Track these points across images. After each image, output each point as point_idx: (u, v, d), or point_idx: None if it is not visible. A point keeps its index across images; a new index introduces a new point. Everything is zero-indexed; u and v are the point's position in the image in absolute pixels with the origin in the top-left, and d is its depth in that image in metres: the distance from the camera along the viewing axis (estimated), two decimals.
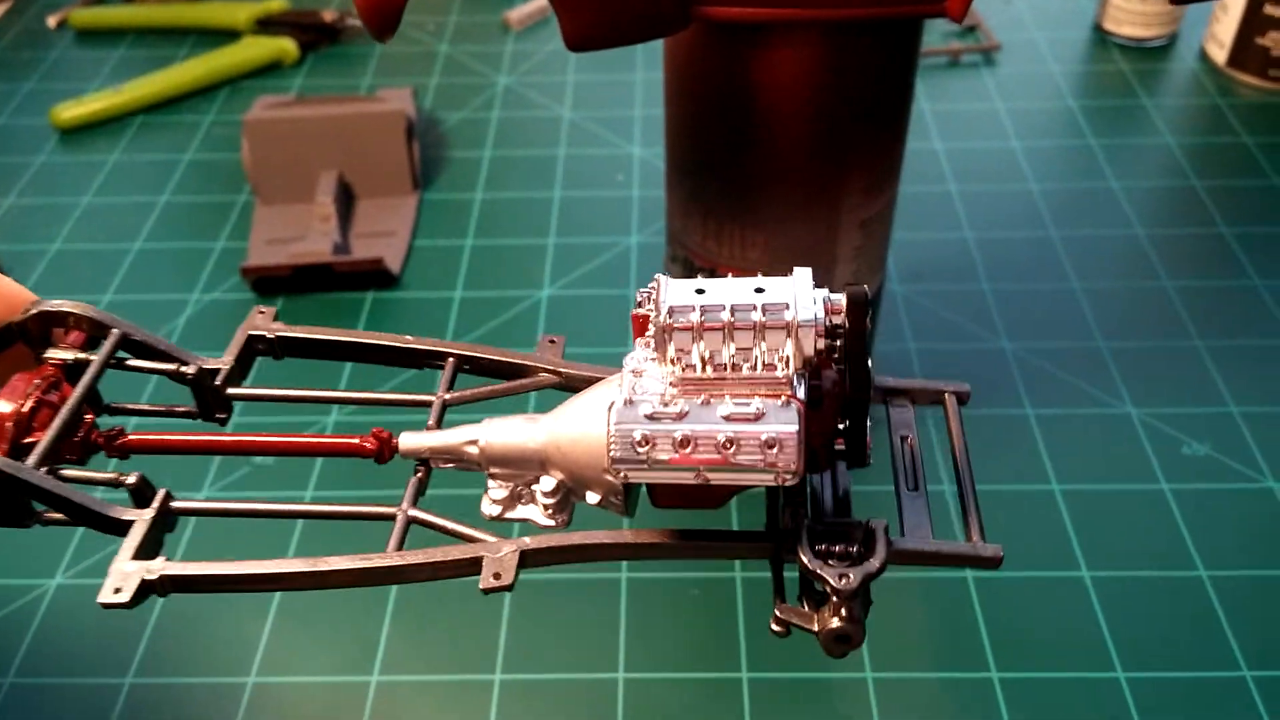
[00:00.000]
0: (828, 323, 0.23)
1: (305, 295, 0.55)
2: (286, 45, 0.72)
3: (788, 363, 0.23)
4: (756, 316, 0.23)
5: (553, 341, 0.30)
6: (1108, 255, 0.56)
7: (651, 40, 0.34)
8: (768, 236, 0.40)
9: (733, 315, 0.23)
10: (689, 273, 0.43)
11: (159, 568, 0.24)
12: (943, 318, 0.53)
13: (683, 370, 0.23)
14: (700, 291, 0.24)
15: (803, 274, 0.24)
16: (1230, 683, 0.38)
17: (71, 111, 0.66)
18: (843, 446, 0.25)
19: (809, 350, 0.23)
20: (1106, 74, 0.69)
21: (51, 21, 0.78)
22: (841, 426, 0.25)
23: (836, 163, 0.38)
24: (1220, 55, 0.68)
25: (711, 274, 0.42)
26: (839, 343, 0.24)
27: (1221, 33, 0.67)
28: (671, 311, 0.23)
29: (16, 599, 0.42)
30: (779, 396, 0.23)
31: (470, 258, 0.57)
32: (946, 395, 0.29)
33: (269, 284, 0.55)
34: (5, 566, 0.43)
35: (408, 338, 0.30)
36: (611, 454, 0.23)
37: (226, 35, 0.74)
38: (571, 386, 0.29)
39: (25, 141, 0.67)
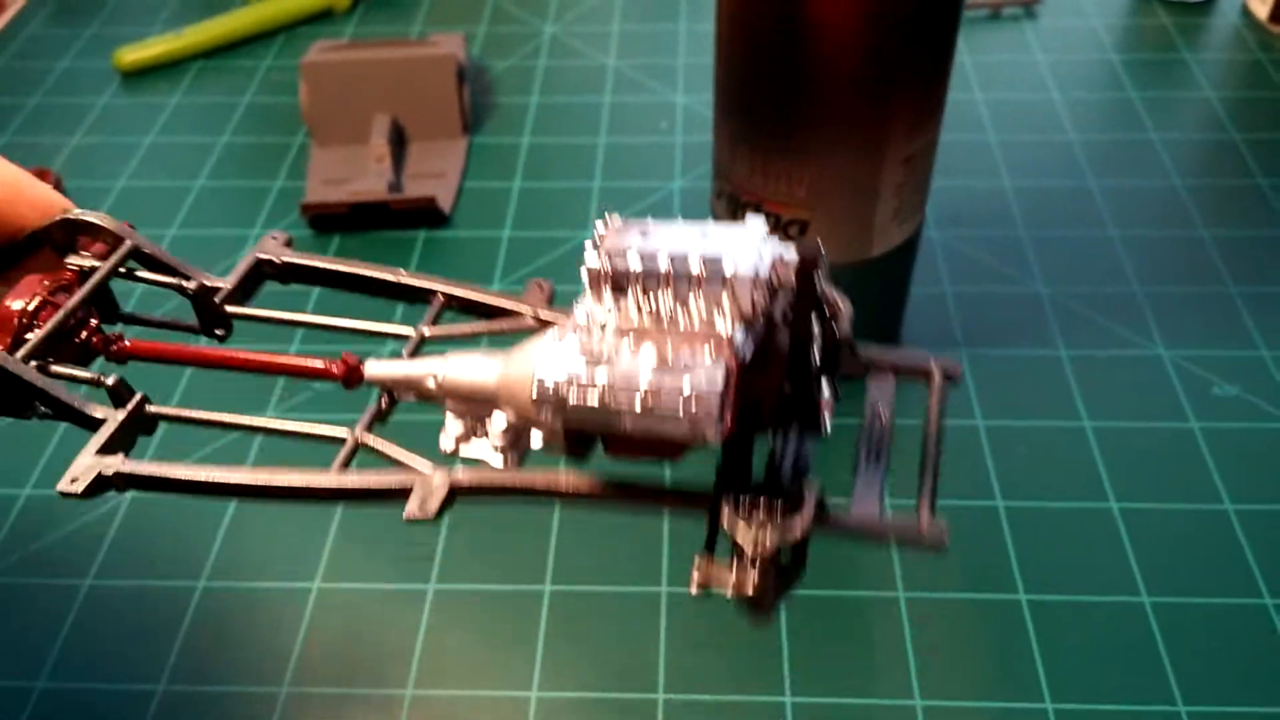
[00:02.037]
0: (772, 279, 0.22)
1: (360, 233, 0.57)
2: None
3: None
4: (695, 266, 0.22)
5: (540, 286, 0.30)
6: (1145, 204, 0.57)
7: None
8: (813, 172, 0.41)
9: (671, 264, 0.22)
10: (735, 210, 0.44)
11: (115, 464, 0.25)
12: (980, 262, 0.54)
13: (620, 317, 0.23)
14: (643, 236, 0.23)
15: (755, 223, 0.23)
16: (1251, 609, 0.40)
17: (134, 55, 0.68)
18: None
19: (745, 306, 0.22)
20: (1148, 28, 0.69)
21: None
22: (789, 389, 0.23)
23: (882, 98, 0.39)
24: (1262, 11, 0.68)
25: (757, 208, 0.43)
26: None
27: None
28: (610, 257, 0.22)
29: (94, 508, 0.45)
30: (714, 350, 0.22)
31: (518, 199, 0.59)
32: (934, 369, 0.27)
33: (326, 221, 0.57)
34: None
35: (401, 271, 0.31)
36: (533, 395, 0.22)
37: None
38: None
39: (89, 83, 0.69)
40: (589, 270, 0.22)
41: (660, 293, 0.22)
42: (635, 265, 0.22)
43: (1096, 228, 0.55)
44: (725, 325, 0.22)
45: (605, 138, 0.63)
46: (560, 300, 0.30)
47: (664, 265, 0.22)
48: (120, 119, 0.66)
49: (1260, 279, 0.52)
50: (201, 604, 0.41)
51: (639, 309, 0.22)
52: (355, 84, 0.60)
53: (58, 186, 0.56)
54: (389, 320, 0.30)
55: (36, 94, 0.68)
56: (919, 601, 0.40)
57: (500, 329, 0.30)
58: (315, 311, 0.32)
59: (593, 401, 0.22)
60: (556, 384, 0.22)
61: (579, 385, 0.22)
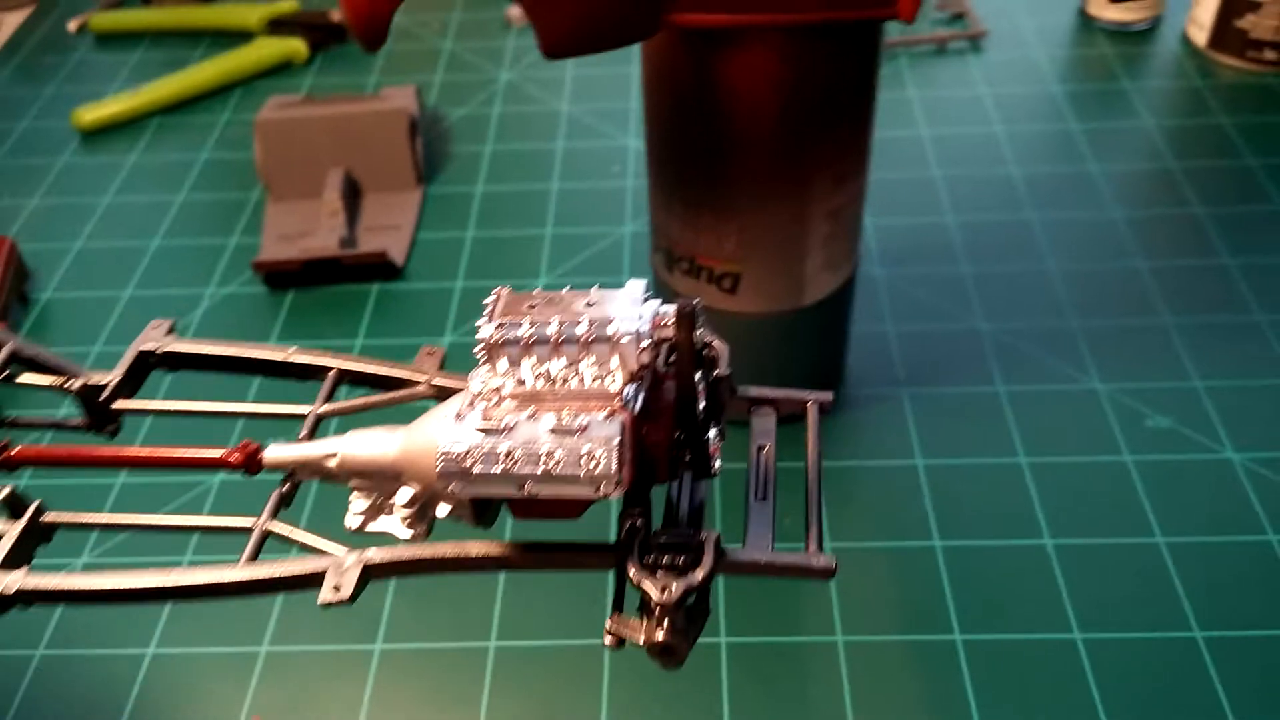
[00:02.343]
0: (653, 336, 0.24)
1: (314, 288, 0.58)
2: (297, 45, 0.75)
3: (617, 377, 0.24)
4: (581, 330, 0.23)
5: (431, 354, 0.31)
6: (1084, 237, 0.58)
7: (624, 46, 0.36)
8: (740, 228, 0.42)
9: (560, 329, 0.24)
10: (671, 263, 0.45)
11: (16, 581, 0.25)
12: (922, 300, 0.55)
13: (515, 385, 0.24)
14: (531, 307, 0.24)
15: (634, 286, 0.25)
16: (1182, 642, 0.41)
17: (92, 114, 0.69)
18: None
19: (633, 364, 0.23)
20: (1090, 58, 0.71)
21: (72, 26, 0.81)
22: (679, 437, 0.25)
23: (801, 157, 0.40)
24: (1201, 37, 0.69)
25: (691, 262, 0.44)
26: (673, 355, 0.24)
27: (1202, 15, 0.69)
28: (500, 326, 0.24)
29: None
30: (608, 409, 0.23)
31: (471, 249, 0.60)
32: (809, 405, 0.29)
33: (280, 278, 0.58)
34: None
35: (290, 349, 0.31)
36: (437, 469, 0.23)
37: (239, 36, 0.77)
38: (446, 398, 0.29)
39: (49, 143, 0.70)
40: (482, 340, 0.24)
41: (552, 358, 0.24)
42: (526, 333, 0.24)
43: (1035, 261, 0.57)
44: (615, 383, 0.23)
45: (558, 183, 0.64)
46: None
47: (553, 331, 0.24)
48: (79, 179, 0.67)
49: (1194, 309, 0.53)
50: (150, 672, 0.42)
51: (533, 375, 0.24)
52: (308, 140, 0.61)
53: (13, 252, 0.57)
54: (311, 400, 0.31)
55: None
56: (857, 645, 0.41)
57: (395, 399, 0.30)
58: (254, 398, 0.31)
59: (496, 470, 0.23)
60: (459, 455, 0.23)
61: (482, 456, 0.23)
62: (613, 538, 0.25)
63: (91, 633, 0.43)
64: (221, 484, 0.48)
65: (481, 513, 0.25)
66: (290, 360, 0.31)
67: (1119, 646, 0.41)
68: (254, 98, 0.73)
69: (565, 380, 0.24)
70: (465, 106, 0.71)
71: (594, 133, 0.68)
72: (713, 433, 0.26)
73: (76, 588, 0.25)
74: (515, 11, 0.79)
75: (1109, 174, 0.62)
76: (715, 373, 0.26)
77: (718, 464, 0.26)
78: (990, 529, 0.45)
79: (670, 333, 0.24)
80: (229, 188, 0.65)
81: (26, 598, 0.25)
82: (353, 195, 0.62)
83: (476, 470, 0.23)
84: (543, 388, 0.24)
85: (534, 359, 0.24)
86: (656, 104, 0.42)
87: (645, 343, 0.23)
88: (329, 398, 0.30)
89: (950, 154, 0.64)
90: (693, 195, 0.42)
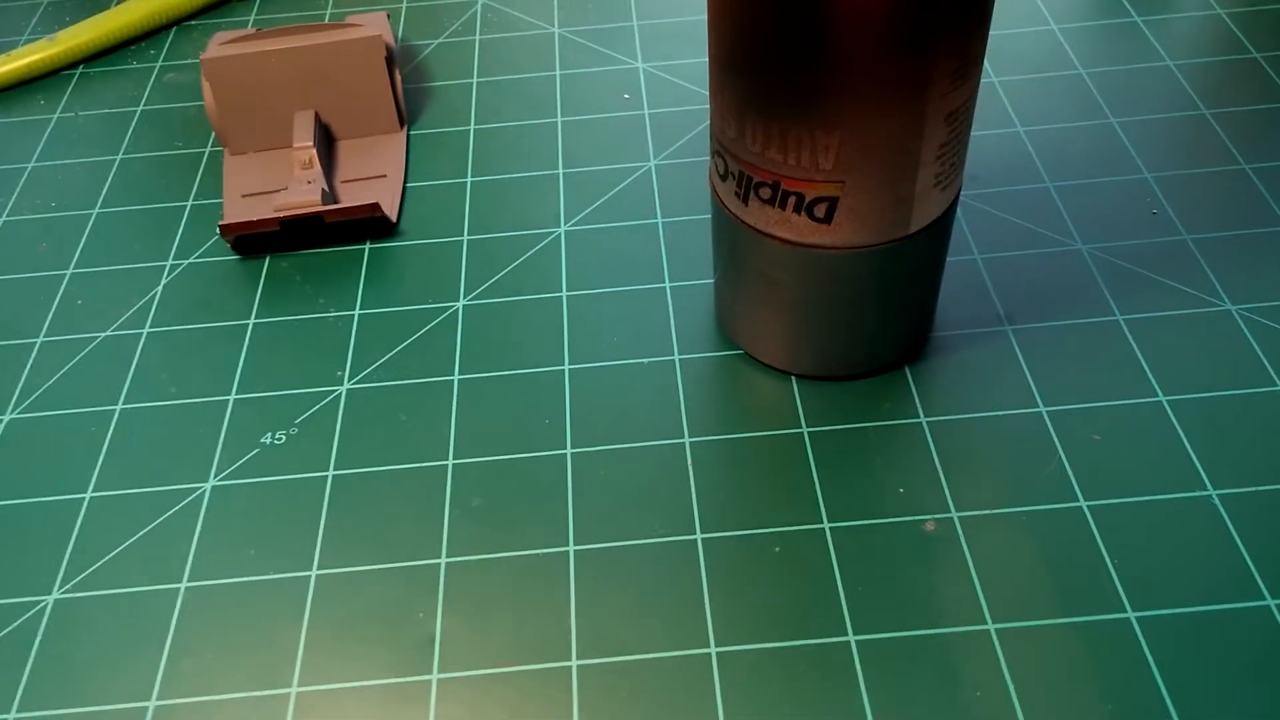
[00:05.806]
0: None
1: (294, 253, 0.49)
2: None
3: None
4: None
5: None
6: (1175, 140, 0.51)
7: None
8: (844, 140, 0.34)
9: None
10: (746, 192, 0.37)
11: None
12: (1007, 222, 0.48)
13: None
14: None
15: None
16: None
17: (3, 68, 0.59)
18: None
19: None
20: None
21: None
22: None
23: (924, 46, 0.32)
24: None
25: (774, 187, 0.36)
26: None
27: None
28: None
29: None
30: None
31: (473, 196, 0.51)
32: None
33: (252, 242, 0.49)
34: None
35: None
36: None
37: None
38: None
39: None
40: None
41: None
42: None
43: (1129, 172, 0.49)
44: None
45: (563, 116, 0.56)
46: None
47: None
48: None
49: None
50: None
51: None
52: (267, 79, 0.52)
53: None
54: None
55: None
56: (1009, 632, 0.34)
57: None
58: None
59: None
60: None
61: None
62: None
63: (82, 687, 0.35)
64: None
65: None
66: None
67: None
68: (192, 39, 0.63)
69: None
70: (439, 36, 0.62)
71: (595, 56, 0.59)
72: None
73: None
74: None
75: (1186, 69, 0.55)
76: None
77: None
78: (1142, 482, 0.38)
79: None
80: (176, 143, 0.56)
81: None
82: (326, 142, 0.53)
83: None
84: None
85: None
86: None
87: None
88: None
89: (1002, 57, 0.57)
90: (779, 104, 0.34)
